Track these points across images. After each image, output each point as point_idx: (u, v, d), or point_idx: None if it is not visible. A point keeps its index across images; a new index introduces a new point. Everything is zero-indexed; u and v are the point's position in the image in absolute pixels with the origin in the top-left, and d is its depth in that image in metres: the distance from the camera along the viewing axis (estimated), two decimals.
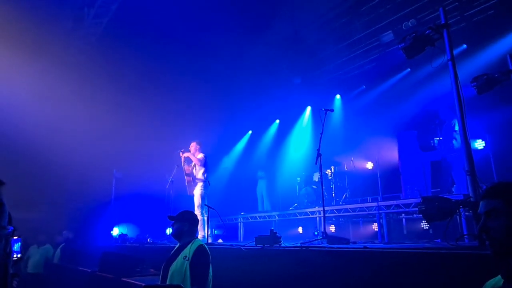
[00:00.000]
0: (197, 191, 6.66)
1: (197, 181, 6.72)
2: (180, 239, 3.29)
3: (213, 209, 5.75)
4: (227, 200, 10.30)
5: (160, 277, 3.17)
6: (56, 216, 9.65)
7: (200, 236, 6.10)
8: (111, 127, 9.97)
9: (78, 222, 9.45)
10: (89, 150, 9.86)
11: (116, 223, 10.48)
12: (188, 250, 3.12)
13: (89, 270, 5.69)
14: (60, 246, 8.10)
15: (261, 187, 9.73)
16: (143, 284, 4.04)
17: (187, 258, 3.05)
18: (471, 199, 2.98)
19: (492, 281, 1.37)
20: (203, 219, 6.15)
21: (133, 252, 5.89)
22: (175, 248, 3.35)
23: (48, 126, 9.14)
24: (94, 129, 9.88)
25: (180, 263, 3.04)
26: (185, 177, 6.75)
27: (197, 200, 6.58)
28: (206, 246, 3.22)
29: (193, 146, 7.03)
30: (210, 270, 3.15)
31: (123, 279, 4.52)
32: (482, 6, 7.35)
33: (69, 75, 9.09)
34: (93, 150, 9.91)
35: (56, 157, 9.42)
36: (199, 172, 6.76)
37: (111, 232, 9.36)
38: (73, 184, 10.00)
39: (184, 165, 6.85)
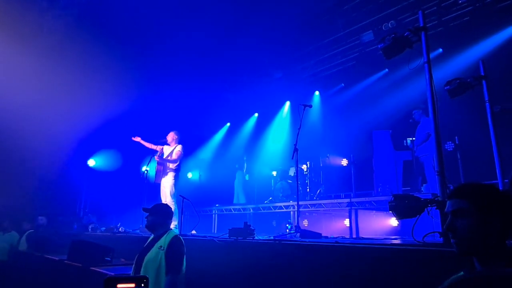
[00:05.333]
0: (169, 181, 6.54)
1: (168, 171, 6.61)
2: (154, 231, 3.32)
3: (187, 199, 5.71)
4: (202, 191, 10.25)
5: (134, 267, 3.17)
6: (24, 202, 9.30)
7: (172, 225, 6.05)
8: (86, 113, 9.66)
9: (47, 208, 9.15)
10: (61, 136, 9.52)
11: (88, 210, 10.26)
12: (164, 240, 3.18)
13: (57, 259, 5.54)
14: (26, 234, 7.83)
15: (238, 179, 9.73)
16: (112, 274, 3.99)
17: (162, 248, 3.10)
18: (439, 198, 3.09)
19: (455, 277, 1.43)
20: (176, 208, 6.11)
21: (104, 241, 5.76)
22: (150, 239, 3.38)
23: (18, 109, 8.74)
24: (68, 114, 9.54)
25: (155, 253, 3.10)
26: (157, 165, 6.63)
27: (168, 189, 6.48)
28: (181, 237, 3.26)
29: (170, 136, 6.90)
30: (184, 260, 3.19)
31: (92, 268, 4.43)
32: (459, 12, 7.57)
33: (41, 57, 8.69)
34: (65, 137, 9.59)
35: (26, 142, 9.04)
36: (171, 162, 6.66)
37: (82, 219, 9.13)
38: (43, 170, 9.64)
39: (159, 154, 6.74)
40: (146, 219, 3.38)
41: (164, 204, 3.63)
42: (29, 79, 8.66)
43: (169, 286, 3.00)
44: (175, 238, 3.22)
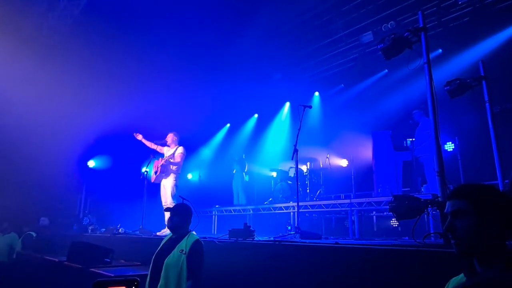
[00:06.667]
0: (170, 182, 6.53)
1: (170, 172, 6.61)
2: (176, 232, 3.30)
3: (187, 200, 5.69)
4: (202, 192, 10.23)
5: (151, 268, 3.16)
6: (24, 203, 9.29)
7: None
8: (86, 114, 9.65)
9: (47, 210, 9.14)
10: (61, 137, 9.51)
11: (87, 211, 10.24)
12: (185, 244, 3.16)
13: (56, 260, 5.52)
14: (23, 235, 7.82)
15: (237, 181, 9.70)
16: (112, 275, 3.98)
17: (184, 252, 3.08)
18: (439, 199, 3.09)
19: (455, 279, 1.43)
20: None
21: (103, 242, 5.75)
22: (167, 239, 3.37)
23: (18, 110, 8.74)
24: (68, 115, 9.52)
25: (177, 256, 3.07)
26: (159, 166, 6.62)
27: (169, 190, 6.47)
28: (201, 240, 3.27)
29: (170, 137, 6.87)
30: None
31: (92, 269, 4.42)
32: (458, 13, 7.58)
33: (41, 58, 8.69)
34: (65, 138, 9.57)
35: (26, 143, 9.03)
36: (174, 164, 6.65)
37: (82, 220, 9.12)
38: (43, 171, 9.63)
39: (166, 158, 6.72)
40: (170, 219, 3.33)
41: (184, 204, 3.63)
42: (30, 80, 8.66)
43: None
44: (197, 243, 3.19)
